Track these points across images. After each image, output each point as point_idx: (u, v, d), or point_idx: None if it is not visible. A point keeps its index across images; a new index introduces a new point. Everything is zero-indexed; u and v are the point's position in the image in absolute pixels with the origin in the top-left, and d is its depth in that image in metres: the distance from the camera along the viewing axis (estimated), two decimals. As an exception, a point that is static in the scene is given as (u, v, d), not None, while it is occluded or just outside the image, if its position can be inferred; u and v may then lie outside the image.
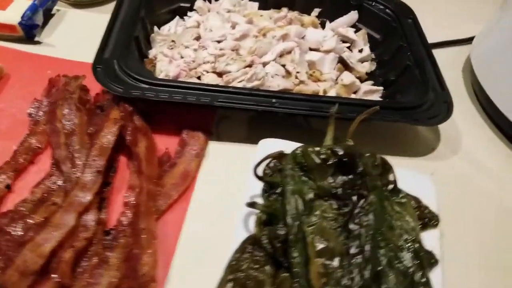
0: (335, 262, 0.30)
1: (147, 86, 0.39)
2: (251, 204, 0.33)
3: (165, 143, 0.40)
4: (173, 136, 0.41)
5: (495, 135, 0.49)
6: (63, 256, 0.29)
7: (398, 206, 0.35)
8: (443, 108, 0.43)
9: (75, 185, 0.33)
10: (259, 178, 0.35)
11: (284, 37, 0.47)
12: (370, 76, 0.52)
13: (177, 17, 0.52)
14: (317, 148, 0.33)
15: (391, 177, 0.37)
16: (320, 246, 0.30)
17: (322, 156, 0.33)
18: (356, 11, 0.55)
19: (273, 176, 0.36)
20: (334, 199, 0.33)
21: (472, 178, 0.44)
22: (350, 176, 0.33)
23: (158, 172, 0.37)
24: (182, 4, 0.53)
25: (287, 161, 0.35)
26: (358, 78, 0.50)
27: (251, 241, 0.33)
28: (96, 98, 0.42)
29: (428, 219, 0.37)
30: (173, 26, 0.50)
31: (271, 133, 0.40)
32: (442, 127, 0.48)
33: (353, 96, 0.47)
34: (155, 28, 0.50)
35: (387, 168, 0.37)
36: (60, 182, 0.35)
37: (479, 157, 0.46)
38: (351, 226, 0.32)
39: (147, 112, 0.40)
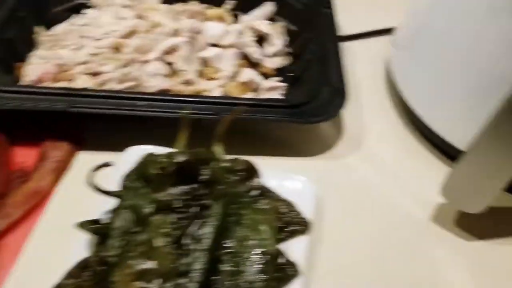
0: (154, 285, 0.27)
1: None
2: (81, 225, 0.30)
3: (27, 156, 0.37)
4: (36, 147, 0.37)
5: (408, 136, 0.45)
6: None
7: (259, 213, 0.33)
8: (335, 105, 0.40)
9: None
10: (101, 191, 0.33)
11: (176, 33, 0.45)
12: (281, 72, 0.49)
13: (73, 15, 0.49)
14: (157, 156, 0.32)
15: (255, 182, 0.35)
16: (140, 267, 0.28)
17: (161, 165, 0.31)
18: (272, 3, 0.52)
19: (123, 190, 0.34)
20: (174, 212, 0.31)
21: (370, 182, 0.40)
22: (193, 186, 0.31)
23: (4, 190, 0.34)
24: (81, 1, 0.50)
25: (130, 172, 0.33)
26: (265, 74, 0.48)
27: (82, 265, 0.30)
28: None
29: (297, 226, 0.35)
30: (67, 25, 0.48)
31: (149, 138, 0.36)
32: (348, 125, 0.45)
33: (251, 95, 0.45)
34: (40, 28, 0.46)
35: (252, 173, 0.35)
36: None
37: (384, 159, 0.42)
38: (185, 241, 0.30)
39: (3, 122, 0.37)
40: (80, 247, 0.31)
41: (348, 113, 0.46)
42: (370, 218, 0.38)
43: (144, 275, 0.28)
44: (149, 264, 0.28)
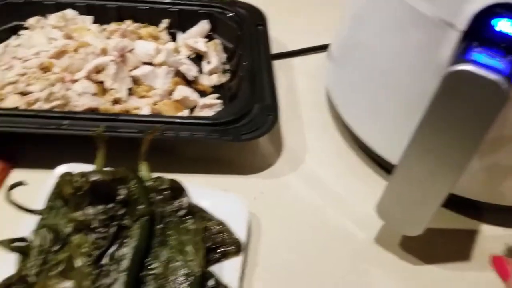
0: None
1: None
2: (1, 242, 0.31)
3: None
4: None
5: (347, 151, 0.47)
6: None
7: (184, 234, 0.34)
8: (267, 122, 0.43)
9: None
10: (23, 209, 0.33)
11: (104, 52, 0.46)
12: (219, 89, 0.52)
13: (13, 36, 0.51)
14: (72, 176, 0.33)
15: (183, 201, 0.36)
16: (59, 287, 0.29)
17: (76, 184, 0.32)
18: (207, 20, 0.55)
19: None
20: (93, 231, 0.32)
21: (309, 201, 0.42)
22: (111, 206, 0.32)
23: None
24: (17, 23, 0.52)
25: (51, 191, 0.34)
26: (202, 92, 0.50)
27: (7, 282, 0.31)
28: None
29: (229, 246, 0.37)
30: (1, 46, 0.50)
31: (80, 157, 0.37)
32: (287, 142, 0.47)
33: (186, 112, 0.47)
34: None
35: (178, 192, 0.36)
36: None
37: (324, 177, 0.44)
38: (106, 261, 0.31)
39: None
40: (6, 264, 0.32)
41: (287, 129, 0.48)
42: (309, 239, 0.39)
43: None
44: (68, 284, 0.29)
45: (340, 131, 0.49)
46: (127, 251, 0.31)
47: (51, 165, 0.38)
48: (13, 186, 0.32)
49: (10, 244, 0.31)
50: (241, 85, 0.47)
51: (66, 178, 0.32)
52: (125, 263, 0.30)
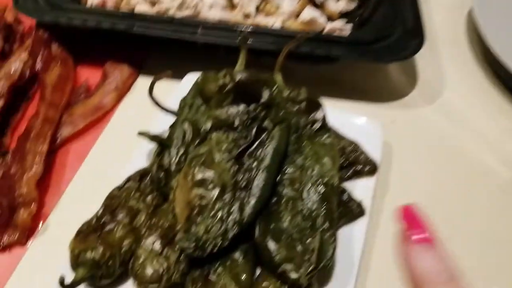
0: (214, 193, 0.29)
1: (61, 11, 0.39)
2: (142, 133, 0.33)
3: (89, 74, 0.41)
4: (100, 68, 0.41)
5: (489, 87, 0.43)
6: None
7: (320, 147, 0.33)
8: (410, 46, 0.39)
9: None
10: (161, 107, 0.34)
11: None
12: (346, 16, 0.48)
13: None
14: (217, 74, 0.32)
15: (318, 116, 0.35)
16: (199, 176, 0.30)
17: (220, 82, 0.32)
18: None
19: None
20: (233, 130, 0.32)
21: (444, 133, 0.39)
22: (253, 107, 0.32)
23: (69, 101, 0.38)
24: None
25: (190, 89, 0.34)
26: (329, 17, 0.48)
27: (141, 173, 0.33)
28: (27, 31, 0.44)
29: (363, 166, 0.35)
30: None
31: (208, 67, 0.36)
32: (422, 73, 0.44)
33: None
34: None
35: (314, 106, 0.35)
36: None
37: (461, 111, 0.41)
38: (245, 159, 0.31)
39: (71, 40, 0.41)
40: (141, 156, 0.34)
41: (422, 60, 0.44)
42: (444, 172, 0.37)
43: (204, 183, 0.29)
44: (209, 173, 0.29)
45: (482, 67, 0.45)
46: (268, 151, 0.30)
47: (176, 75, 0.37)
48: (157, 79, 0.33)
49: (150, 135, 0.32)
50: (377, 8, 0.44)
51: (210, 75, 0.32)
52: (266, 161, 0.30)
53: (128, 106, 0.40)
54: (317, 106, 0.35)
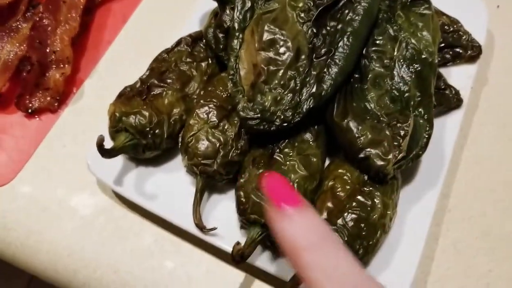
0: (285, 58, 0.24)
1: None
2: None
3: None
4: None
5: None
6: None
7: (417, 18, 0.27)
8: None
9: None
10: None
11: None
12: None
13: None
14: None
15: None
16: (268, 36, 0.25)
17: None
18: None
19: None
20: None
21: None
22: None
23: None
24: None
25: None
26: None
27: (194, 37, 0.28)
28: None
29: (465, 48, 0.29)
30: None
31: None
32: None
33: None
34: None
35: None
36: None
37: None
38: (327, 21, 0.25)
39: None
40: (194, 18, 0.30)
41: None
42: None
43: (273, 45, 0.24)
44: (280, 35, 0.24)
45: None
46: (358, 11, 0.25)
47: None
48: None
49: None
50: None
51: None
52: (354, 24, 0.24)
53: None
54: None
